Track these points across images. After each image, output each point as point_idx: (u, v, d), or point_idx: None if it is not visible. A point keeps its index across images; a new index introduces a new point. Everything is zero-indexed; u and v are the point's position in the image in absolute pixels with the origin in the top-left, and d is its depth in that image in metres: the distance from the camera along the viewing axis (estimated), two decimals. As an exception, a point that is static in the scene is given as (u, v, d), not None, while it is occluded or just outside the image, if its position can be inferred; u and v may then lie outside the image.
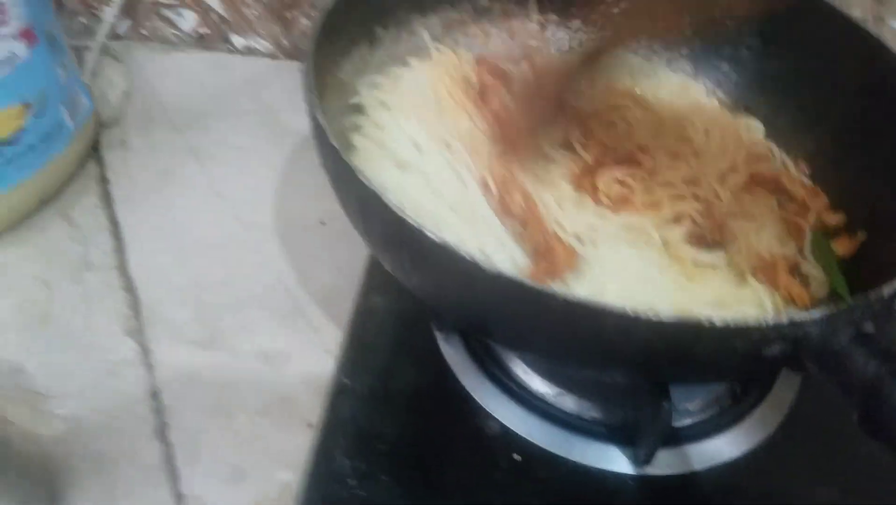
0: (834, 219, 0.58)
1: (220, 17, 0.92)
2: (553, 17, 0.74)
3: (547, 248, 0.50)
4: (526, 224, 0.52)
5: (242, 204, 0.75)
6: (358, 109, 0.62)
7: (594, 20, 0.73)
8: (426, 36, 0.67)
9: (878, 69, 0.57)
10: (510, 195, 0.52)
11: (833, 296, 0.54)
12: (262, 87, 0.90)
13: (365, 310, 0.65)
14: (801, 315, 0.38)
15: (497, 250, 0.52)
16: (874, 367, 0.35)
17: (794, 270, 0.55)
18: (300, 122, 0.83)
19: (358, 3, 0.58)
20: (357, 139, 0.59)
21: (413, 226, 0.40)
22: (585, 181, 0.55)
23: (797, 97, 0.65)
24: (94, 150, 0.80)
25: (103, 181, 0.77)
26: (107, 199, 0.75)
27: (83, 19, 0.95)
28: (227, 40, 0.95)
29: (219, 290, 0.67)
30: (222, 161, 0.80)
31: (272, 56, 0.95)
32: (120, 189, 0.76)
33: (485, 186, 0.54)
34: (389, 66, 0.65)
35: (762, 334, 0.38)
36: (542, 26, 0.74)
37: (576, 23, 0.74)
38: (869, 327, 0.37)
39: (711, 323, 0.37)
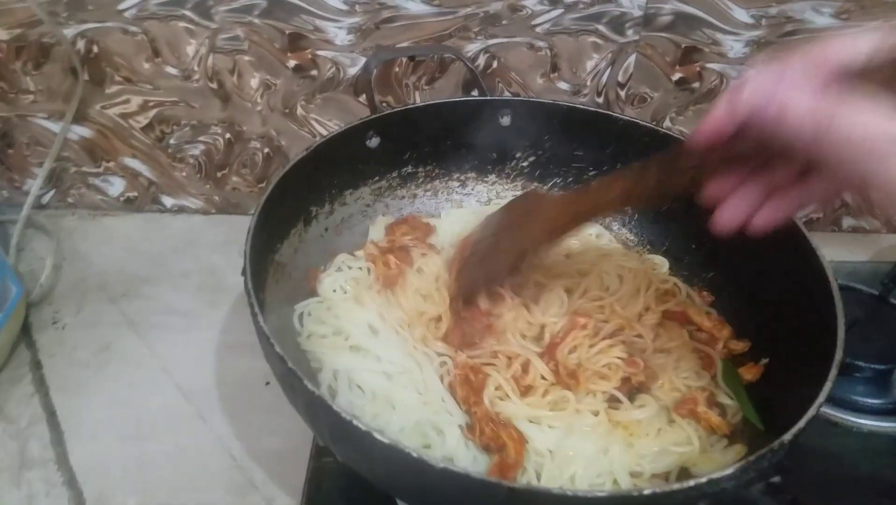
0: (739, 346, 0.65)
1: (150, 180, 0.96)
2: (471, 174, 0.81)
3: (498, 443, 0.55)
4: (477, 419, 0.57)
5: (184, 373, 0.75)
6: (295, 293, 0.66)
7: (507, 173, 0.81)
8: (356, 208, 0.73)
9: None
10: (465, 390, 0.58)
11: (747, 421, 0.60)
12: (197, 245, 0.92)
13: (318, 474, 0.65)
14: (717, 473, 0.43)
15: (450, 425, 0.56)
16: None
17: (711, 401, 0.61)
18: (238, 279, 0.86)
19: (294, 188, 0.63)
20: (309, 324, 0.63)
21: (362, 430, 0.44)
22: (547, 358, 0.62)
23: (694, 232, 0.73)
24: (24, 333, 0.78)
25: (37, 366, 0.76)
26: (42, 386, 0.73)
27: (5, 192, 0.96)
28: (157, 201, 0.98)
29: (166, 473, 0.66)
30: (162, 328, 0.80)
31: (203, 212, 0.99)
32: (54, 373, 0.75)
33: (443, 368, 0.60)
34: (325, 246, 0.70)
35: (685, 496, 0.43)
36: (462, 183, 0.82)
37: (491, 177, 0.82)
38: (776, 478, 0.42)
39: (640, 493, 0.42)
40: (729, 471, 0.43)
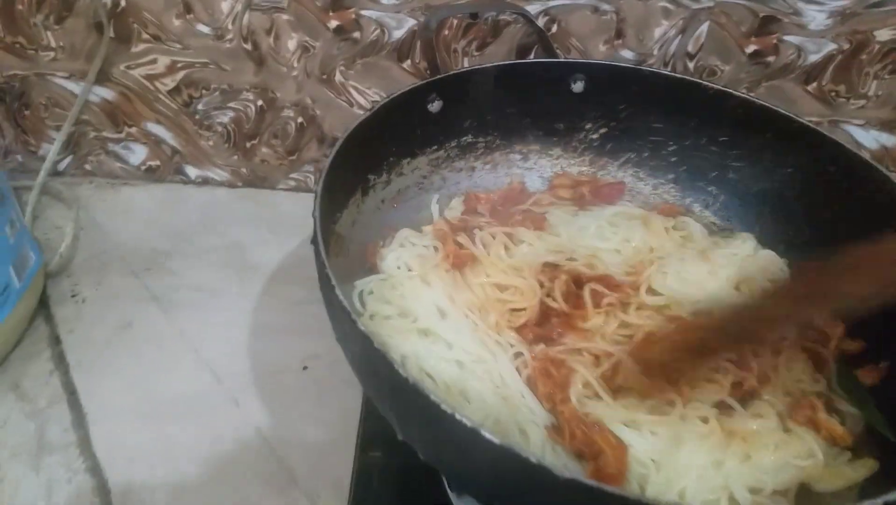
0: (853, 346, 0.58)
1: (173, 149, 0.88)
2: (535, 147, 0.74)
3: (593, 449, 0.48)
4: (565, 419, 0.50)
5: (214, 353, 0.69)
6: (353, 270, 0.59)
7: (574, 147, 0.74)
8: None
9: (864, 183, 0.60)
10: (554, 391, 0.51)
11: (870, 431, 0.53)
12: (222, 219, 0.85)
13: (366, 470, 0.59)
14: (894, 494, 0.36)
15: (533, 425, 0.49)
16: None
17: (830, 408, 0.54)
18: (267, 256, 0.80)
19: (354, 153, 0.56)
20: (372, 303, 0.56)
21: (467, 426, 0.37)
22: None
23: (787, 216, 0.66)
24: (42, 306, 0.73)
25: (55, 342, 0.69)
26: (61, 364, 0.68)
27: (19, 157, 0.89)
28: (180, 172, 0.91)
29: (197, 461, 0.60)
30: (187, 306, 0.74)
31: (229, 185, 0.92)
32: (75, 350, 0.68)
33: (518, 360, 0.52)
34: (381, 219, 0.63)
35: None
36: (524, 156, 0.74)
37: (556, 150, 0.74)
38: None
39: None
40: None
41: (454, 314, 0.55)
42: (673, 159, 0.72)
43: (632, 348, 0.53)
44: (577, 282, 0.58)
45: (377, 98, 0.79)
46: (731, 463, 0.48)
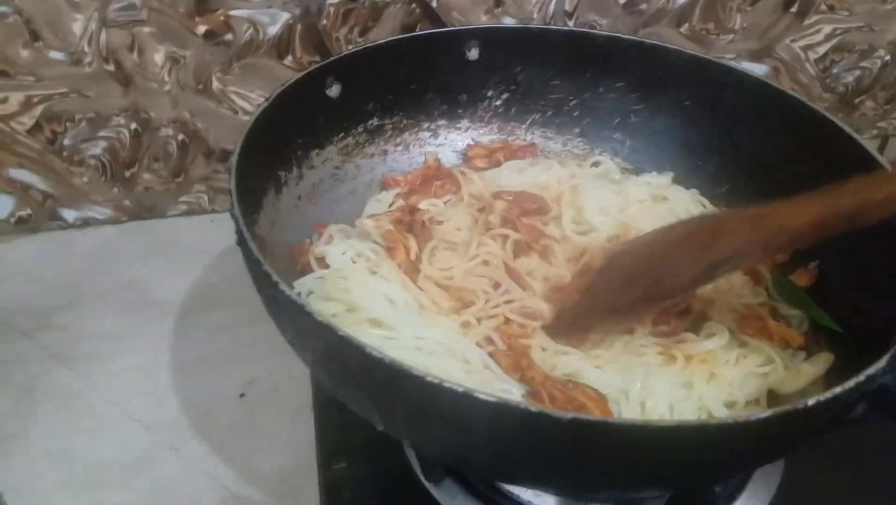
0: (781, 255, 0.59)
1: (44, 193, 0.79)
2: (442, 122, 0.72)
3: (576, 406, 0.46)
4: (539, 384, 0.48)
5: (137, 403, 0.63)
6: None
7: (480, 116, 0.73)
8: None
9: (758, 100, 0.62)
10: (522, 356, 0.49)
11: (816, 329, 0.55)
12: (113, 260, 0.77)
13: (332, 483, 0.56)
14: (871, 368, 0.37)
15: (509, 396, 0.46)
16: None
17: (775, 315, 0.55)
18: (171, 289, 0.74)
19: (259, 149, 0.52)
20: (315, 303, 0.51)
21: (448, 387, 0.34)
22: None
23: (696, 148, 0.67)
24: None
25: None
26: None
27: None
28: (56, 217, 0.81)
29: None
30: (94, 358, 0.66)
31: (114, 221, 0.83)
32: (-29, 430, 0.60)
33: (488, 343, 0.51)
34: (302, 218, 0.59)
35: (846, 400, 0.36)
36: (434, 133, 0.72)
37: (464, 122, 0.73)
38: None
39: (805, 405, 0.35)
40: (882, 363, 0.37)
41: (405, 302, 0.51)
42: (576, 113, 0.72)
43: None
44: (508, 223, 0.57)
45: (263, 101, 0.75)
46: (699, 384, 0.49)
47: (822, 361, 0.51)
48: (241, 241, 0.42)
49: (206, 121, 0.78)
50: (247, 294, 0.47)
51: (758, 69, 0.89)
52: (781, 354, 0.52)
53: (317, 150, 0.63)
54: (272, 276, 0.39)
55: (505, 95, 0.72)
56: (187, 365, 0.66)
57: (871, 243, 0.51)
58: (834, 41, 0.90)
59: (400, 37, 0.66)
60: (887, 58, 0.93)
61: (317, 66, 0.60)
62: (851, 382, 0.36)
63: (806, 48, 0.90)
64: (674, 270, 0.47)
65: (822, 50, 0.91)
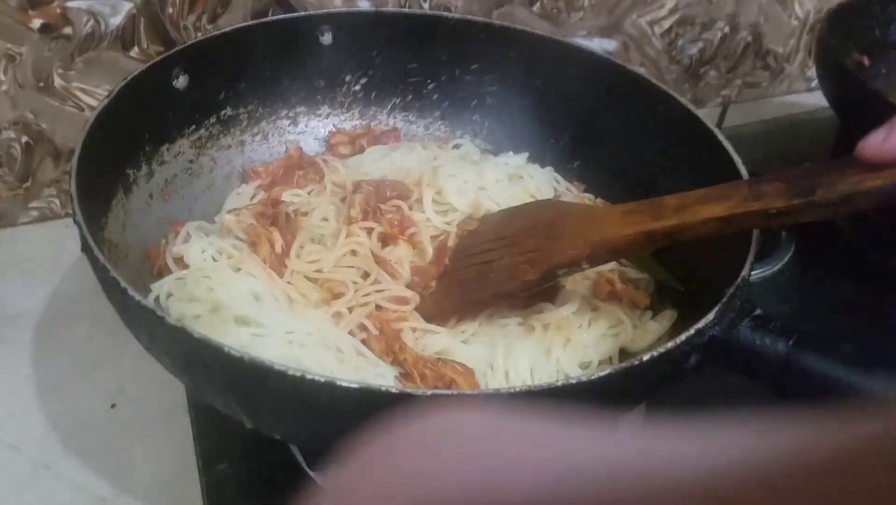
0: None
1: None
2: (301, 108, 0.70)
3: (446, 383, 0.47)
4: (411, 365, 0.49)
5: (2, 423, 0.58)
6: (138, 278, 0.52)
7: (340, 101, 0.72)
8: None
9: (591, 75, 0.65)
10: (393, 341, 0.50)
11: (662, 289, 0.58)
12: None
13: (216, 486, 0.54)
14: (701, 322, 0.40)
15: (382, 379, 0.48)
16: (782, 345, 0.38)
17: (624, 279, 0.59)
18: (26, 302, 0.69)
19: (103, 151, 0.49)
20: (175, 306, 0.49)
21: (309, 378, 0.34)
22: None
23: (548, 125, 0.70)
24: None
25: None
26: None
27: None
28: None
29: None
30: None
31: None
32: None
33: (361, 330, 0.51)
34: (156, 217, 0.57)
35: (679, 353, 0.39)
36: (293, 120, 0.70)
37: (324, 109, 0.72)
38: (757, 311, 0.40)
39: (640, 361, 0.38)
40: (710, 317, 0.40)
41: (273, 297, 0.51)
42: (435, 97, 0.72)
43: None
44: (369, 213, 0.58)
45: (103, 98, 0.71)
46: (556, 350, 0.51)
47: (667, 318, 0.54)
48: (86, 248, 0.40)
49: (52, 120, 0.73)
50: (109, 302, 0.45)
51: (608, 45, 0.93)
52: (630, 315, 0.55)
53: (167, 145, 0.61)
54: (120, 282, 0.37)
55: (363, 80, 0.71)
56: (51, 380, 0.62)
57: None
58: (677, 15, 0.95)
59: (248, 23, 0.64)
60: (726, 29, 1.00)
61: (160, 57, 0.58)
62: (682, 336, 0.39)
63: (651, 23, 0.95)
64: (512, 273, 0.50)
65: (666, 24, 0.96)
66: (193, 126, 0.63)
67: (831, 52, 0.76)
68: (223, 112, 0.65)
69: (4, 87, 0.69)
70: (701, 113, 0.81)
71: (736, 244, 0.48)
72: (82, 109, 0.73)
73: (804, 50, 1.05)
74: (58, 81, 0.71)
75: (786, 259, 0.75)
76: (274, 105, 0.68)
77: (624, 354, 0.54)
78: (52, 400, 0.61)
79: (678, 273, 0.58)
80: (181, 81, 0.60)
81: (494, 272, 0.52)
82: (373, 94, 0.72)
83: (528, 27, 0.73)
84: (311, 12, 0.67)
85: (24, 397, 0.61)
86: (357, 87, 0.71)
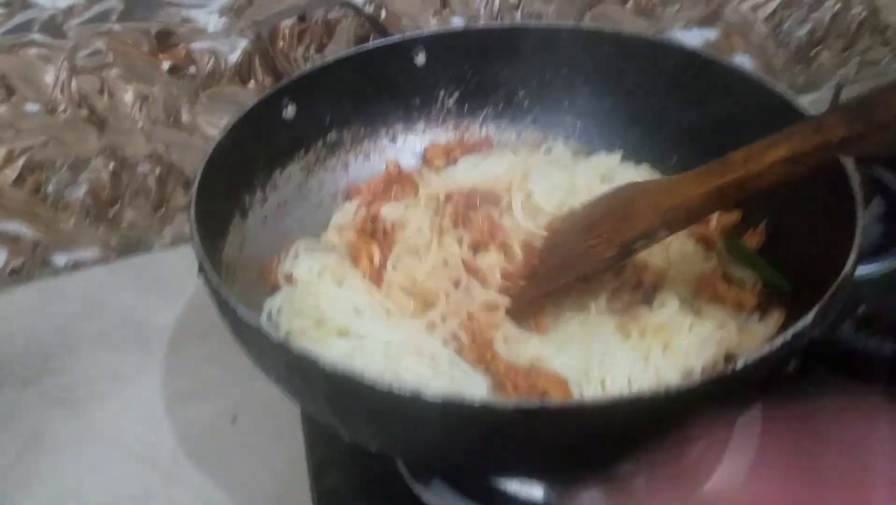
0: (732, 217, 0.61)
1: (34, 242, 0.81)
2: (399, 126, 0.73)
3: (539, 393, 0.48)
4: (503, 375, 0.50)
5: (139, 438, 0.64)
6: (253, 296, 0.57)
7: (435, 116, 0.74)
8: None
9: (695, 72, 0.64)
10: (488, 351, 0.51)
11: (770, 289, 0.56)
12: (105, 299, 0.79)
13: (325, 496, 0.57)
14: (798, 325, 0.39)
15: (474, 389, 0.49)
16: (888, 347, 0.36)
17: (729, 278, 0.57)
18: (162, 321, 0.75)
19: (220, 178, 0.54)
20: (284, 321, 0.54)
21: (397, 391, 0.36)
22: None
23: (642, 122, 0.69)
24: None
25: None
26: None
27: None
28: (47, 263, 0.84)
29: None
30: (95, 399, 0.68)
31: (103, 261, 0.85)
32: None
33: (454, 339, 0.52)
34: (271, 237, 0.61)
35: (778, 358, 0.38)
36: (392, 138, 0.74)
37: (420, 125, 0.74)
38: (862, 308, 0.38)
39: (733, 369, 0.37)
40: (809, 319, 0.39)
41: (371, 309, 0.53)
42: (526, 103, 0.73)
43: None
44: (465, 219, 0.59)
45: (219, 132, 0.77)
46: (654, 356, 0.50)
47: (774, 320, 0.52)
48: (201, 271, 0.44)
49: (181, 152, 0.80)
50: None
51: (709, 34, 0.90)
52: (736, 317, 0.53)
53: (279, 171, 0.65)
54: (229, 302, 0.41)
55: (456, 94, 0.73)
56: (181, 394, 0.67)
57: (815, 200, 0.53)
58: None
59: (346, 53, 0.68)
60: (837, 6, 0.94)
61: (269, 91, 0.62)
62: (778, 341, 0.38)
63: (754, 7, 0.91)
64: (593, 251, 0.50)
65: (770, 7, 0.91)
66: (303, 151, 0.67)
67: None
68: (329, 136, 0.69)
69: (140, 125, 0.78)
70: (815, 97, 0.76)
71: (843, 236, 0.45)
72: (207, 141, 0.80)
73: None
74: (185, 116, 0.78)
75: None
76: (375, 125, 0.72)
77: (730, 360, 0.52)
78: (183, 415, 0.66)
79: (786, 270, 0.55)
80: (290, 111, 0.64)
81: (575, 259, 0.53)
82: (465, 107, 0.74)
83: (620, 26, 0.72)
84: (405, 36, 0.70)
85: (158, 412, 0.66)
86: (450, 102, 0.74)
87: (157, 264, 0.83)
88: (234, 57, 0.76)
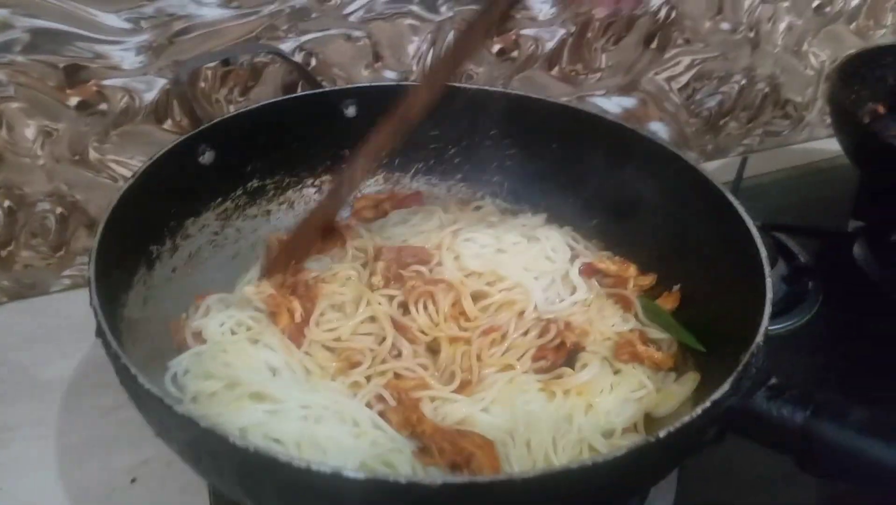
0: (647, 280, 0.63)
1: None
2: (326, 177, 0.72)
3: (465, 456, 0.47)
4: (428, 438, 0.48)
5: (28, 494, 0.59)
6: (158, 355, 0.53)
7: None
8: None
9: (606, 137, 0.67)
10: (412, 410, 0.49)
11: (686, 350, 0.57)
12: (-2, 343, 0.73)
13: None
14: (717, 393, 0.39)
15: (398, 454, 0.47)
16: (800, 415, 0.37)
17: (645, 340, 0.58)
18: (56, 370, 0.70)
19: (125, 230, 0.51)
20: (192, 383, 0.50)
21: (315, 470, 0.34)
22: None
23: (567, 185, 0.70)
24: None
25: None
26: None
27: None
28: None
29: None
30: None
31: (-6, 303, 0.79)
32: None
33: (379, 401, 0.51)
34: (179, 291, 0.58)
35: (698, 426, 0.38)
36: (319, 189, 0.72)
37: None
38: (773, 380, 0.39)
39: (657, 438, 0.37)
40: (726, 387, 0.40)
41: (290, 370, 0.51)
42: (457, 160, 0.74)
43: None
44: (396, 277, 0.58)
45: (128, 179, 0.73)
46: (577, 417, 0.51)
47: (690, 381, 0.53)
48: (100, 333, 0.41)
49: (86, 192, 0.76)
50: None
51: (627, 102, 0.94)
52: (653, 378, 0.55)
53: (192, 219, 0.62)
54: (130, 368, 0.38)
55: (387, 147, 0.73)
56: (76, 451, 0.63)
57: (725, 265, 0.56)
58: (694, 71, 0.96)
59: (273, 100, 0.67)
60: (743, 81, 1.01)
61: (186, 136, 0.60)
62: (699, 409, 0.38)
63: (669, 79, 0.96)
64: None
65: (683, 80, 0.97)
66: (219, 199, 0.65)
67: (844, 105, 0.76)
68: (249, 184, 0.67)
69: (41, 162, 0.73)
70: (722, 163, 0.80)
71: (753, 301, 0.47)
72: (116, 180, 0.76)
73: (822, 98, 1.06)
74: (93, 154, 0.74)
75: (813, 311, 0.74)
76: (300, 174, 0.70)
77: (648, 421, 0.53)
78: (77, 473, 0.61)
79: (700, 332, 0.57)
80: (207, 157, 0.62)
81: None
82: (397, 160, 0.74)
83: (545, 90, 0.74)
84: (335, 88, 0.70)
85: (49, 467, 0.61)
86: (381, 154, 0.73)
87: (54, 309, 0.78)
88: (150, 95, 0.73)
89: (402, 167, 0.74)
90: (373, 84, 0.74)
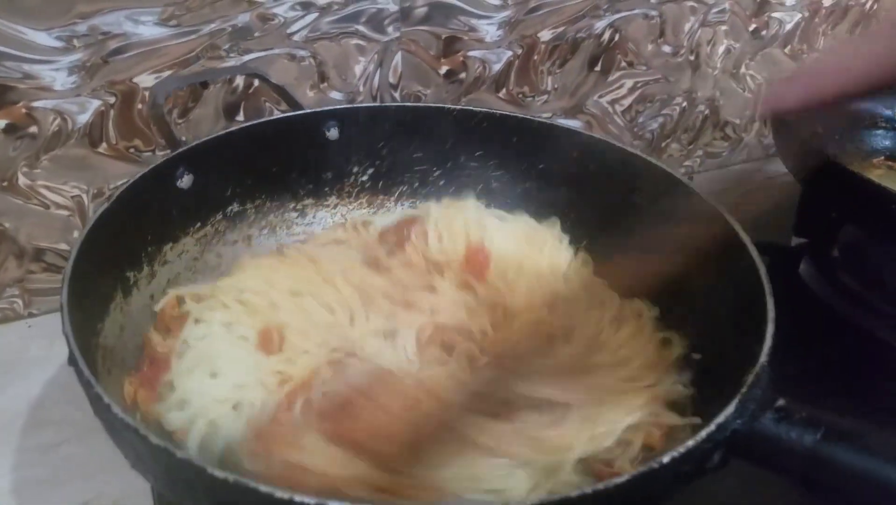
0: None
1: None
2: (309, 200, 0.69)
3: None
4: None
5: None
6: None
7: (348, 192, 0.72)
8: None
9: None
10: None
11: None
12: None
13: None
14: (722, 416, 0.38)
15: None
16: (809, 438, 0.36)
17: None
18: (6, 402, 0.63)
19: (100, 256, 0.47)
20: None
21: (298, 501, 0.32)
22: None
23: (554, 206, 0.69)
24: None
25: None
26: None
27: None
28: None
29: None
30: None
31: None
32: None
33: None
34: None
35: (702, 450, 0.37)
36: (301, 212, 0.69)
37: (332, 199, 0.71)
38: (780, 401, 0.38)
39: (660, 463, 0.35)
40: (731, 409, 0.38)
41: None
42: (441, 182, 0.71)
43: None
44: None
45: (77, 193, 0.68)
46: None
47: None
48: (72, 361, 0.39)
49: (16, 219, 0.69)
50: (77, 405, 0.41)
51: (573, 124, 0.93)
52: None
53: (170, 245, 0.58)
54: (103, 397, 0.36)
55: (371, 170, 0.70)
56: (32, 484, 0.58)
57: (724, 288, 0.54)
58: (636, 93, 0.95)
59: (253, 122, 0.63)
60: (685, 104, 1.00)
61: (163, 159, 0.56)
62: (703, 433, 0.36)
63: (613, 102, 0.95)
64: None
65: (627, 102, 0.96)
66: (199, 224, 0.61)
67: (785, 124, 0.76)
68: (230, 208, 0.63)
69: (-35, 189, 0.65)
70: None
71: (756, 326, 0.46)
72: (48, 207, 0.70)
73: (760, 119, 1.06)
74: (22, 180, 0.68)
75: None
76: (282, 198, 0.67)
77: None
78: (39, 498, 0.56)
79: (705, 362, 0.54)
80: (185, 181, 0.58)
81: None
82: (380, 183, 0.71)
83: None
84: (317, 109, 0.66)
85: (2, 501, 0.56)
86: (364, 178, 0.70)
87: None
88: (84, 117, 0.67)
89: (385, 190, 0.71)
90: (357, 105, 0.72)
